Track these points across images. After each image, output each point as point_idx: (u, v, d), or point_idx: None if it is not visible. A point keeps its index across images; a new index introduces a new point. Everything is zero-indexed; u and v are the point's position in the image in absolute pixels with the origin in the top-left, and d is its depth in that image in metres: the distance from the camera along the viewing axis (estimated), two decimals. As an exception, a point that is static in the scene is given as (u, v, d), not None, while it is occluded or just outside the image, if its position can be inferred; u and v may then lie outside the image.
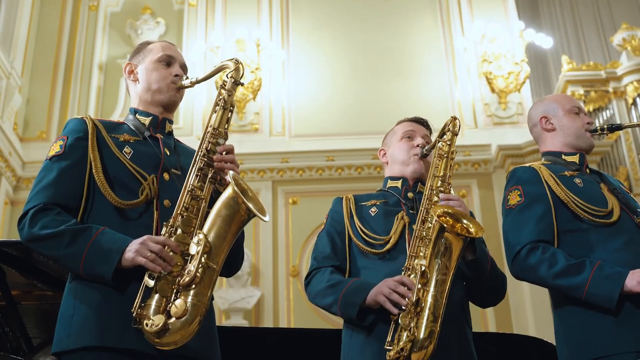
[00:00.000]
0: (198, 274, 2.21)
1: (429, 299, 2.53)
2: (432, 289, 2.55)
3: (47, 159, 2.49)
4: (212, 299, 2.54)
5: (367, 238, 2.84)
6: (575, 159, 3.04)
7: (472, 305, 2.93)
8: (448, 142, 2.95)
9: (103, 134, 2.52)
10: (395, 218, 2.89)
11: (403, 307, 2.51)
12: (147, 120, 2.65)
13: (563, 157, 3.06)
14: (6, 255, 3.14)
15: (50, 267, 3.13)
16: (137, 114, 2.68)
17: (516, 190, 2.93)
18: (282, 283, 9.32)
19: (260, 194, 9.77)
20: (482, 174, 10.01)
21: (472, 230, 2.62)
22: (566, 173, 2.94)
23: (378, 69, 10.65)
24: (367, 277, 2.76)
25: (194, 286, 2.21)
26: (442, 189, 2.83)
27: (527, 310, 8.92)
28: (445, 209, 2.66)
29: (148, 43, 2.82)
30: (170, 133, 2.72)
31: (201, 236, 2.25)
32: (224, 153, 2.47)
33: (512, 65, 10.30)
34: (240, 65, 2.59)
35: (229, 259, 2.44)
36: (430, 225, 2.70)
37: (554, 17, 12.35)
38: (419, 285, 2.54)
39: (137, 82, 2.72)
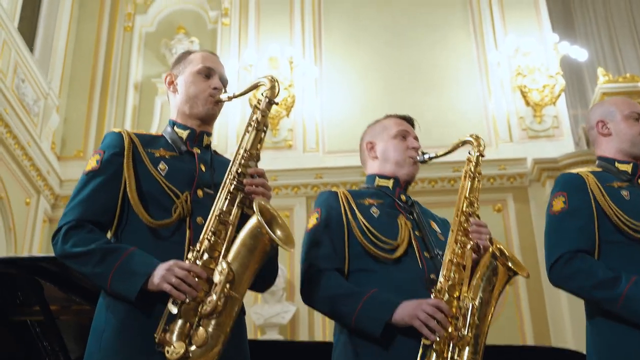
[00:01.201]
0: (220, 304, 2.20)
1: (472, 331, 2.48)
2: (475, 321, 2.50)
3: (84, 174, 2.51)
4: (244, 313, 2.54)
5: (376, 240, 2.69)
6: (628, 168, 2.96)
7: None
8: (474, 162, 2.84)
9: (139, 150, 2.52)
10: (399, 223, 2.77)
11: (438, 335, 2.44)
12: (184, 134, 2.64)
13: (616, 164, 2.99)
14: (44, 270, 3.17)
15: (87, 281, 3.13)
16: (175, 127, 2.67)
17: (561, 197, 2.88)
18: (317, 299, 9.27)
19: (294, 210, 9.78)
20: (517, 188, 9.89)
21: (516, 269, 2.60)
22: (614, 184, 2.88)
23: (411, 84, 10.62)
24: (377, 283, 2.64)
25: (215, 316, 2.20)
26: (470, 211, 2.73)
27: (566, 321, 8.77)
28: (498, 245, 2.62)
29: (189, 53, 2.79)
30: (208, 146, 2.70)
31: (224, 265, 2.23)
32: (255, 176, 2.43)
33: (547, 79, 10.20)
34: (277, 84, 2.55)
35: (263, 274, 2.42)
36: (462, 250, 2.62)
37: (588, 29, 12.24)
38: (457, 318, 2.48)
39: (177, 93, 2.70)
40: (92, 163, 2.52)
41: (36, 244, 9.51)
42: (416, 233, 2.76)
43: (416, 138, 2.98)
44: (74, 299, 3.31)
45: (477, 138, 2.87)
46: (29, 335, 3.53)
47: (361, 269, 2.70)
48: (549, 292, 8.75)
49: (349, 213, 2.77)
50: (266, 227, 2.25)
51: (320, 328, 9.09)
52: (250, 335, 9.08)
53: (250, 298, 9.11)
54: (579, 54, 10.68)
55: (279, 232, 2.32)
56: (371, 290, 2.59)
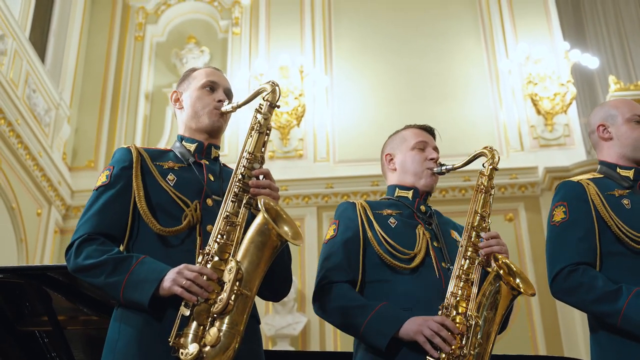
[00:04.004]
0: (231, 302, 2.20)
1: (475, 350, 2.47)
2: (478, 340, 2.49)
3: (94, 189, 2.55)
4: (259, 322, 2.56)
5: (392, 250, 2.70)
6: (629, 174, 2.89)
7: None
8: (488, 176, 2.80)
9: (147, 162, 2.57)
10: (417, 233, 2.77)
11: (442, 353, 2.44)
12: (192, 147, 2.69)
13: (618, 170, 2.92)
14: (52, 280, 3.17)
15: (95, 292, 3.15)
16: (183, 141, 2.72)
17: (561, 207, 2.83)
18: (328, 309, 9.23)
19: (305, 220, 9.77)
20: (529, 197, 9.85)
21: (522, 288, 2.56)
22: (615, 192, 2.82)
23: (422, 92, 10.61)
24: (393, 292, 2.65)
25: (227, 314, 2.20)
26: (481, 227, 2.71)
27: (578, 332, 8.71)
28: (505, 260, 2.59)
29: (193, 70, 2.86)
30: (217, 159, 2.74)
31: (233, 264, 2.25)
32: (261, 177, 2.45)
33: (558, 87, 10.17)
34: (277, 88, 2.60)
35: (276, 283, 2.48)
36: (471, 266, 2.61)
37: (599, 36, 12.18)
38: (462, 336, 2.48)
39: (183, 110, 2.76)
40: (102, 178, 2.56)
41: (47, 254, 9.53)
42: (434, 244, 2.76)
43: (435, 148, 2.98)
44: (81, 309, 3.31)
45: (491, 150, 2.85)
46: (37, 346, 3.53)
47: (378, 280, 2.71)
48: (561, 302, 8.68)
49: (366, 224, 2.79)
50: (272, 222, 2.27)
51: (332, 339, 9.06)
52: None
53: (261, 309, 9.09)
54: (590, 61, 10.63)
55: (285, 228, 2.33)
56: (380, 304, 2.60)
